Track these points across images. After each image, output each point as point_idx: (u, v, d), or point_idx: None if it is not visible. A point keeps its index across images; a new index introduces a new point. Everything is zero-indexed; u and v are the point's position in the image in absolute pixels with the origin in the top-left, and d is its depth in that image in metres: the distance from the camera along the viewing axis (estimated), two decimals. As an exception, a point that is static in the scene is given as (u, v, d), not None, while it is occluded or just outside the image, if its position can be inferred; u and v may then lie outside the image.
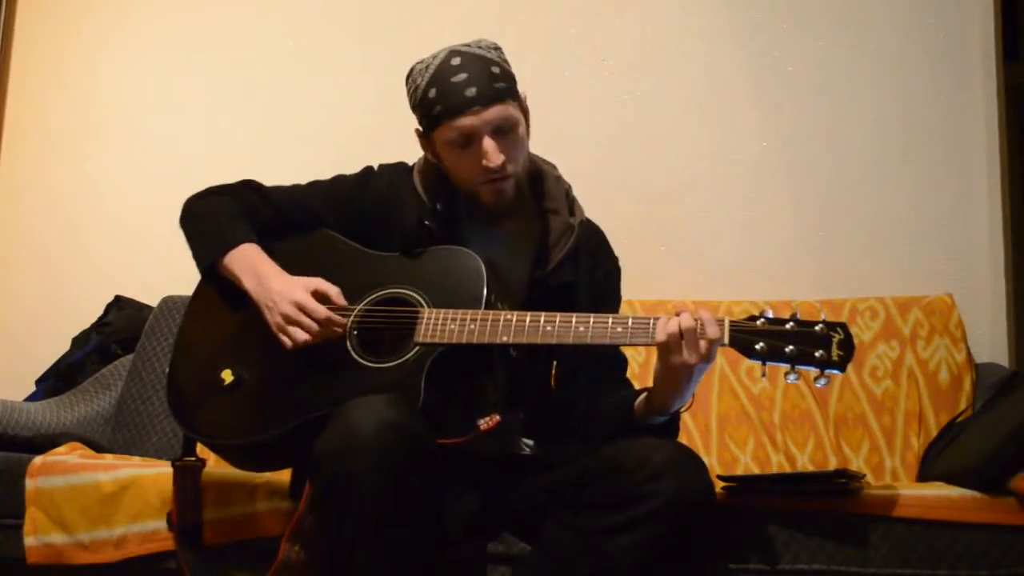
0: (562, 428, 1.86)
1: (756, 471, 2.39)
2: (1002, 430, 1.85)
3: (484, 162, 1.74)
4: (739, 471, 2.39)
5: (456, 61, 1.74)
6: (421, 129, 1.83)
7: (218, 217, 1.85)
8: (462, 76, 1.73)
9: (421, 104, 1.77)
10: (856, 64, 2.82)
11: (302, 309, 1.71)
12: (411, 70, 1.81)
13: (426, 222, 1.82)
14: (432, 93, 1.74)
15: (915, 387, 2.44)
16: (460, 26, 2.99)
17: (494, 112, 1.73)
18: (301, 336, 1.71)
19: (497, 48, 1.81)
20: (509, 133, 1.76)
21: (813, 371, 1.56)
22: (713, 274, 2.78)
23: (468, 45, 1.78)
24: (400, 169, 1.94)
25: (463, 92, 1.72)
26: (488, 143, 1.73)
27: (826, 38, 2.85)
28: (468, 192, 1.82)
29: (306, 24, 3.14)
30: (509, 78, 1.79)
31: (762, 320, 1.59)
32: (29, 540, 2.01)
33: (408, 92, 1.81)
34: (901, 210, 2.74)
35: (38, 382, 2.82)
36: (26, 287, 3.15)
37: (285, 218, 1.90)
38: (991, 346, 2.63)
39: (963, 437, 2.13)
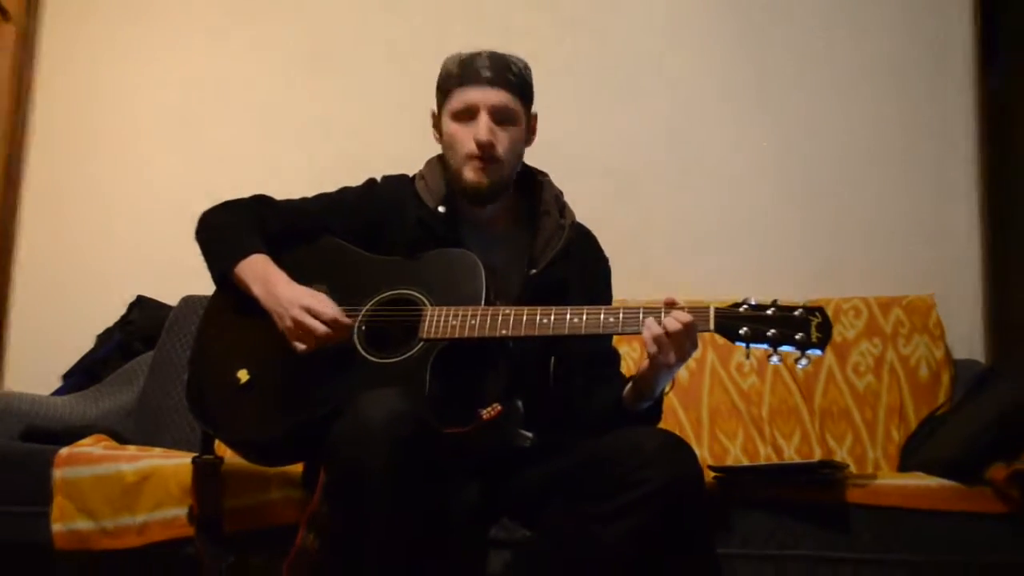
0: (560, 421, 1.87)
1: (745, 462, 2.39)
2: (978, 423, 1.85)
3: (475, 136, 1.79)
4: (729, 462, 2.39)
5: (483, 54, 1.86)
6: (436, 109, 1.90)
7: (230, 230, 1.88)
8: (484, 61, 1.84)
9: (443, 80, 1.87)
10: (842, 74, 2.82)
11: (310, 312, 1.72)
12: (444, 62, 1.90)
13: (428, 224, 1.84)
14: (455, 69, 1.85)
15: (896, 382, 2.44)
16: (463, 41, 2.99)
17: (499, 95, 1.81)
18: (311, 340, 1.72)
19: (527, 66, 1.89)
20: (506, 125, 1.83)
21: (794, 352, 1.57)
22: (704, 274, 2.78)
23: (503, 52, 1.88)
24: (402, 179, 1.96)
25: (479, 69, 1.82)
26: (484, 120, 1.80)
27: (814, 50, 2.85)
28: (456, 173, 1.84)
29: (317, 43, 3.14)
30: (524, 84, 1.87)
31: (745, 306, 1.61)
32: (56, 527, 2.02)
33: (438, 80, 1.90)
34: (884, 213, 2.75)
35: (64, 377, 2.83)
36: (54, 288, 3.15)
37: (295, 228, 1.91)
38: (968, 344, 2.63)
39: (941, 430, 2.13)
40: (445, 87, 1.86)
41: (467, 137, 1.81)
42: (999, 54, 2.88)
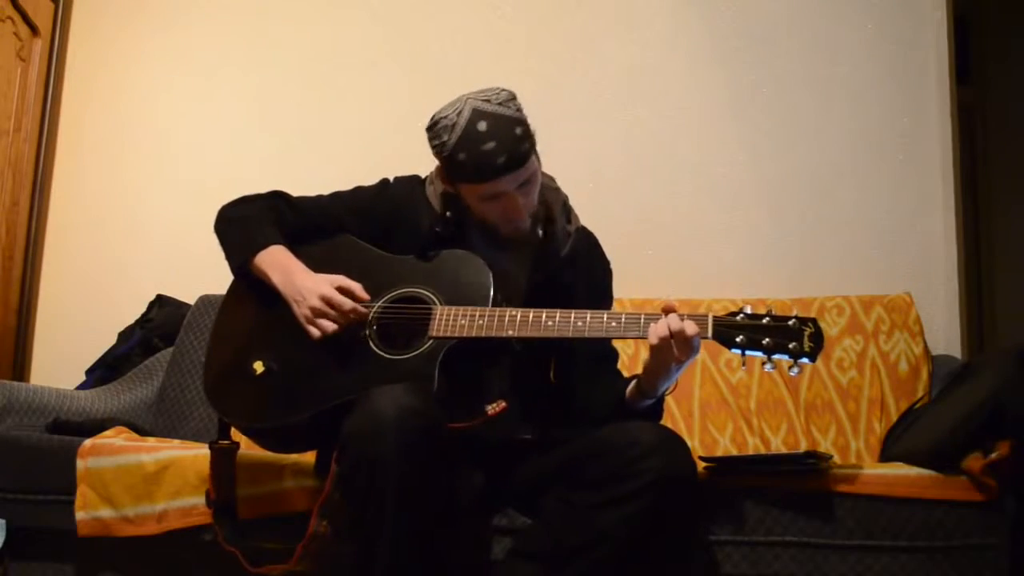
0: (560, 416, 1.86)
1: (734, 453, 2.39)
2: (955, 415, 1.84)
3: (511, 215, 1.74)
4: (719, 453, 2.39)
5: (483, 127, 1.66)
6: (445, 171, 1.76)
7: (249, 222, 1.86)
8: (491, 145, 1.65)
9: (450, 161, 1.70)
10: (824, 87, 2.83)
11: (328, 302, 1.72)
12: (434, 123, 1.72)
13: (436, 228, 1.82)
14: (462, 156, 1.67)
15: (877, 377, 2.44)
16: (467, 54, 3.00)
17: (522, 173, 1.70)
18: (328, 327, 1.71)
19: (513, 98, 1.73)
20: (530, 182, 1.74)
21: (787, 360, 1.57)
22: (695, 275, 2.78)
23: (488, 100, 1.69)
24: (414, 180, 1.93)
25: (494, 160, 1.66)
26: (515, 200, 1.72)
27: (797, 63, 2.85)
28: (491, 224, 1.78)
29: (330, 52, 3.14)
30: (529, 133, 1.71)
31: (742, 316, 1.60)
32: (80, 515, 2.02)
33: (432, 143, 1.73)
34: (865, 217, 2.74)
35: (88, 372, 2.83)
36: (78, 287, 3.15)
37: (311, 224, 1.89)
38: (946, 340, 2.63)
39: (920, 422, 2.12)
40: (460, 173, 1.70)
41: (497, 212, 1.74)
42: (972, 67, 2.88)
